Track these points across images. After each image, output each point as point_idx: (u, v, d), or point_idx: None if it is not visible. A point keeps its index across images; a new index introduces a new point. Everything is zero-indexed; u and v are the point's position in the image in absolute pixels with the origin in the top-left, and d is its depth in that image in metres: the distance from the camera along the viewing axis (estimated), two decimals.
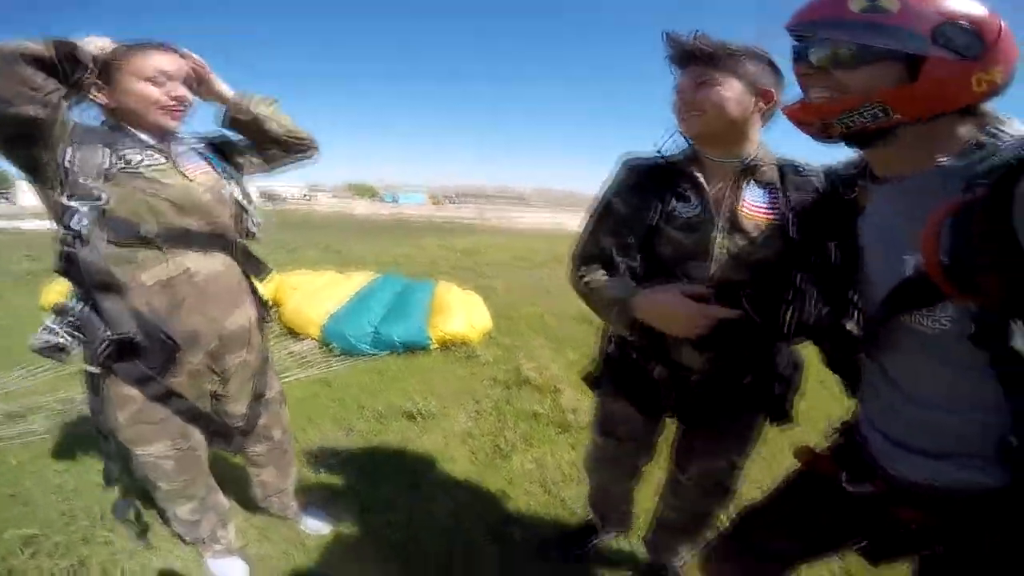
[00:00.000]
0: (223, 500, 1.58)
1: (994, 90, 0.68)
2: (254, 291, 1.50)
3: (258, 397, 1.52)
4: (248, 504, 1.83)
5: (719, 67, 1.01)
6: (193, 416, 1.36)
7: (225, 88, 1.34)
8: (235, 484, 1.84)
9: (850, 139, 0.78)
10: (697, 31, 1.03)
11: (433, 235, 13.71)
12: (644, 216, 1.11)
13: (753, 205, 1.07)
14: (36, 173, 1.10)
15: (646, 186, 1.14)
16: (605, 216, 1.20)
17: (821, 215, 0.98)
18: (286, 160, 1.50)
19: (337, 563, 1.69)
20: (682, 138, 1.13)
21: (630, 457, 1.46)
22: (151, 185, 1.18)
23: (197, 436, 1.39)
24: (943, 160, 0.71)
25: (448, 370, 3.33)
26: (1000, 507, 0.74)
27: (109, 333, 1.15)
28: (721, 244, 1.07)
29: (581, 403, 2.71)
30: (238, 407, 1.48)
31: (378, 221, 20.54)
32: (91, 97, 1.22)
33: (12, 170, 1.32)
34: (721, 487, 1.36)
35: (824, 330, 0.95)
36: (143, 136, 1.22)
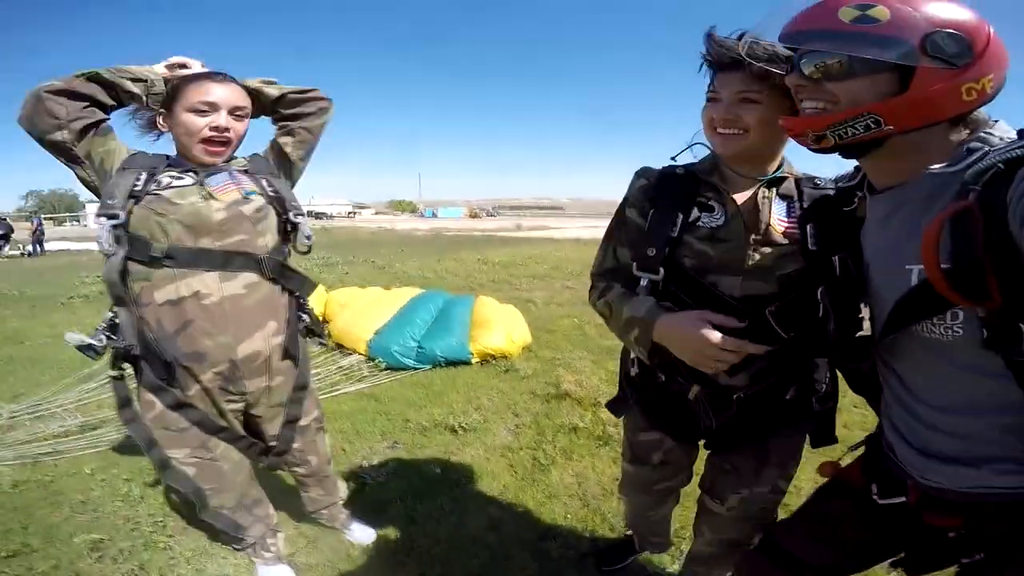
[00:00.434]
0: (271, 511, 1.64)
1: (984, 99, 0.68)
2: (300, 309, 1.50)
3: (292, 422, 1.52)
4: (300, 515, 1.90)
5: (767, 80, 0.90)
6: (214, 430, 1.38)
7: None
8: (287, 494, 1.92)
9: (844, 150, 0.78)
10: (746, 33, 0.92)
11: (471, 248, 13.82)
12: (665, 227, 1.04)
13: (779, 219, 1.03)
14: (90, 190, 1.30)
15: (665, 196, 1.07)
16: (621, 228, 1.15)
17: (832, 228, 0.93)
18: (304, 122, 1.46)
19: (379, 575, 1.72)
20: (706, 150, 1.07)
21: (666, 482, 1.38)
22: (164, 206, 1.23)
23: (222, 449, 1.40)
24: (935, 167, 0.70)
25: (489, 384, 3.37)
26: None
27: (120, 342, 1.26)
28: (751, 257, 1.02)
29: None
30: (271, 428, 1.50)
31: (418, 236, 20.99)
32: (158, 126, 1.34)
33: (81, 195, 1.53)
34: (764, 513, 1.27)
35: (839, 345, 0.92)
36: (188, 163, 1.31)
